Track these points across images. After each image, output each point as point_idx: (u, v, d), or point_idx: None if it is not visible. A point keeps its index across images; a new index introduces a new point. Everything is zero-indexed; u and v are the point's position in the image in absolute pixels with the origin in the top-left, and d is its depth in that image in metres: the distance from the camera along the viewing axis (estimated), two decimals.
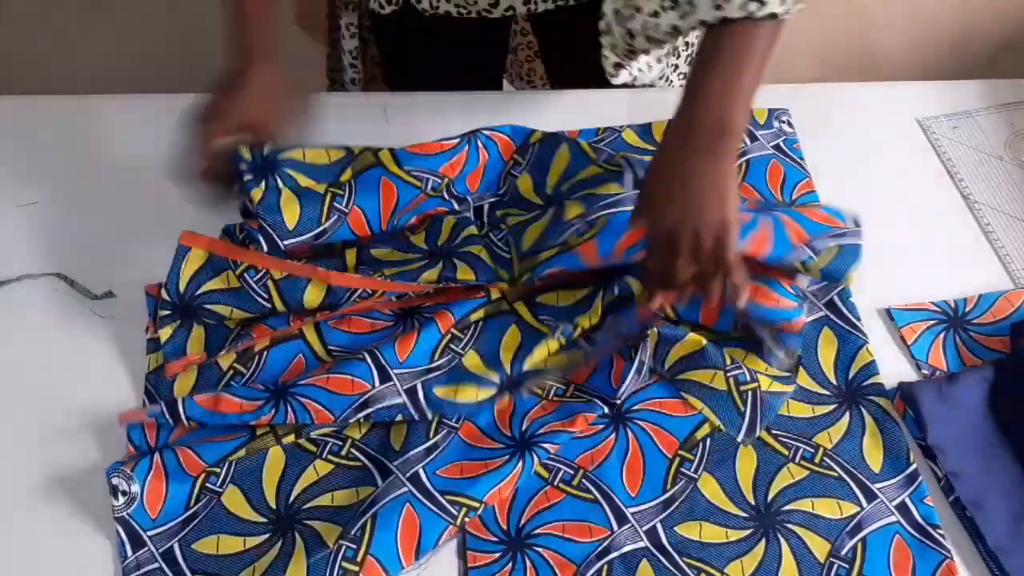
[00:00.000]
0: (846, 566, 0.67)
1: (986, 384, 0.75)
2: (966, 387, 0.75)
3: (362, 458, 0.72)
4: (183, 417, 0.70)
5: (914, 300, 0.82)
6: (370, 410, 0.71)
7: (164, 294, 0.78)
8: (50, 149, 0.91)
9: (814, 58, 1.43)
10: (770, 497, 0.71)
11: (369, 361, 0.73)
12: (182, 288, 0.77)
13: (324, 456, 0.72)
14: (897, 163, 0.95)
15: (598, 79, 0.91)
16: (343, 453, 0.72)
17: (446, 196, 0.85)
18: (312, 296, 0.77)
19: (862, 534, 0.69)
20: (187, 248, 0.78)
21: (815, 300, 0.81)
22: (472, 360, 0.76)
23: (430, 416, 0.72)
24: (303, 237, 0.79)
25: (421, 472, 0.70)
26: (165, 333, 0.77)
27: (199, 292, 0.77)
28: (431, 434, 0.72)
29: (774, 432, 0.74)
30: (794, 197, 0.88)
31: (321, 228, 0.80)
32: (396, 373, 0.73)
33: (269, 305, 0.77)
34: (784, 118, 0.95)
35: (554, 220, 0.82)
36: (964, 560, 0.68)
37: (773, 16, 0.64)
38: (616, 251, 0.75)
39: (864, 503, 0.70)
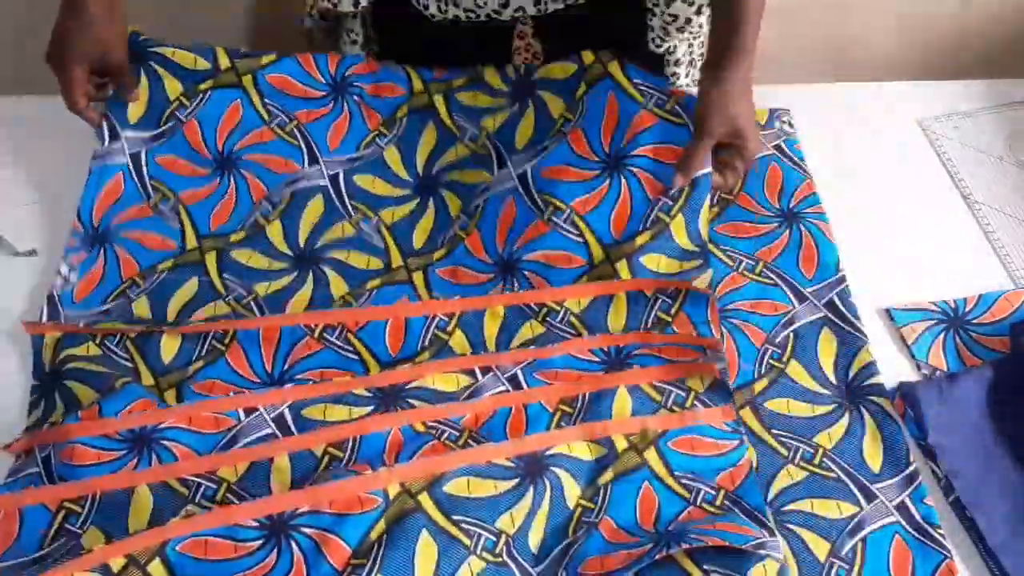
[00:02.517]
0: (846, 566, 0.67)
1: (986, 384, 0.75)
2: (966, 387, 0.75)
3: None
4: None
5: (914, 300, 0.82)
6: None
7: (33, 380, 0.74)
8: (50, 149, 0.91)
9: (814, 58, 1.42)
10: (770, 498, 0.71)
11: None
12: (47, 368, 0.74)
13: (197, 500, 0.66)
14: (897, 163, 0.95)
15: None
16: (217, 499, 0.66)
17: (298, 142, 0.88)
18: (168, 348, 0.75)
19: (862, 534, 0.69)
20: (40, 337, 0.76)
21: (815, 300, 0.81)
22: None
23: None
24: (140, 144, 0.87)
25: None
26: (31, 420, 0.72)
27: (60, 359, 0.74)
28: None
29: (774, 432, 0.74)
30: (792, 205, 0.88)
31: (158, 131, 0.87)
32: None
33: (131, 364, 0.74)
34: (785, 118, 0.95)
35: (439, 216, 0.86)
36: (964, 560, 0.68)
37: None
38: (498, 235, 0.83)
39: (864, 503, 0.70)
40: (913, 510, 0.70)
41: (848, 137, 0.96)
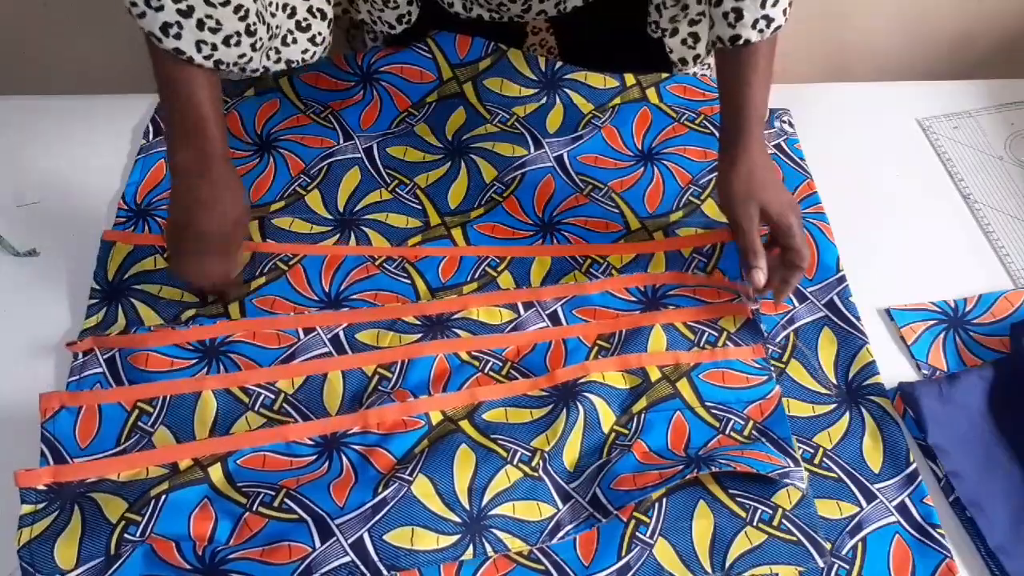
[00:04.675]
0: (846, 566, 0.67)
1: (986, 384, 0.75)
2: (966, 387, 0.75)
3: (298, 510, 0.66)
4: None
5: (914, 300, 0.82)
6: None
7: (93, 284, 0.80)
8: (50, 149, 0.91)
9: (814, 58, 1.42)
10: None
11: (310, 521, 0.65)
12: (111, 277, 0.80)
13: (255, 509, 0.66)
14: (897, 163, 0.95)
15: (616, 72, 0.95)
16: (275, 504, 0.67)
17: (332, 124, 0.92)
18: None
19: (862, 534, 0.69)
20: (110, 243, 0.82)
21: (815, 300, 0.81)
22: (423, 487, 0.67)
23: (385, 572, 0.63)
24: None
25: (366, 536, 0.65)
26: (90, 323, 0.78)
27: (127, 276, 0.80)
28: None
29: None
30: None
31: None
32: (337, 522, 0.65)
33: None
34: (785, 118, 0.95)
35: (473, 181, 0.89)
36: (964, 560, 0.68)
37: (779, 27, 0.75)
38: (536, 202, 0.87)
39: (864, 503, 0.70)
40: (913, 510, 0.70)
41: (848, 137, 0.96)
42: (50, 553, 0.64)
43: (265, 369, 0.74)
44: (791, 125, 0.95)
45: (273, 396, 0.73)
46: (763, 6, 0.73)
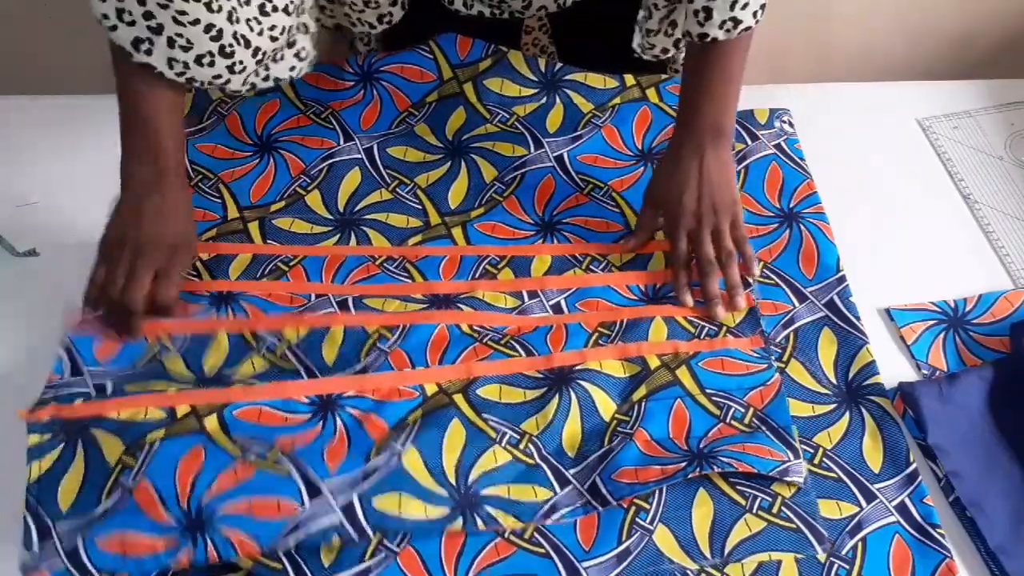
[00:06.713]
0: (846, 566, 0.67)
1: (986, 384, 0.75)
2: (966, 387, 0.75)
3: (289, 466, 0.67)
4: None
5: (914, 300, 0.82)
6: (300, 533, 0.63)
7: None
8: (50, 149, 0.91)
9: (814, 58, 1.43)
10: None
11: (296, 476, 0.66)
12: None
13: (247, 458, 0.67)
14: (897, 163, 0.95)
15: (611, 70, 0.96)
16: (267, 458, 0.67)
17: (333, 125, 0.93)
18: (236, 268, 0.82)
19: (862, 534, 0.69)
20: None
21: (815, 300, 0.81)
22: (413, 459, 0.68)
23: (371, 535, 0.64)
24: None
25: (355, 499, 0.65)
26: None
27: None
28: (367, 556, 0.65)
29: None
30: (792, 205, 0.88)
31: (200, 126, 0.92)
32: (327, 485, 0.66)
33: (196, 277, 0.81)
34: (785, 118, 0.95)
35: (473, 181, 0.89)
36: (964, 560, 0.68)
37: (748, 28, 0.75)
38: (536, 202, 0.88)
39: (863, 503, 0.70)
40: (913, 510, 0.70)
41: (848, 137, 0.96)
42: (54, 494, 0.66)
43: (273, 317, 0.77)
44: (791, 125, 0.95)
45: (277, 342, 0.75)
46: (732, 8, 0.73)
